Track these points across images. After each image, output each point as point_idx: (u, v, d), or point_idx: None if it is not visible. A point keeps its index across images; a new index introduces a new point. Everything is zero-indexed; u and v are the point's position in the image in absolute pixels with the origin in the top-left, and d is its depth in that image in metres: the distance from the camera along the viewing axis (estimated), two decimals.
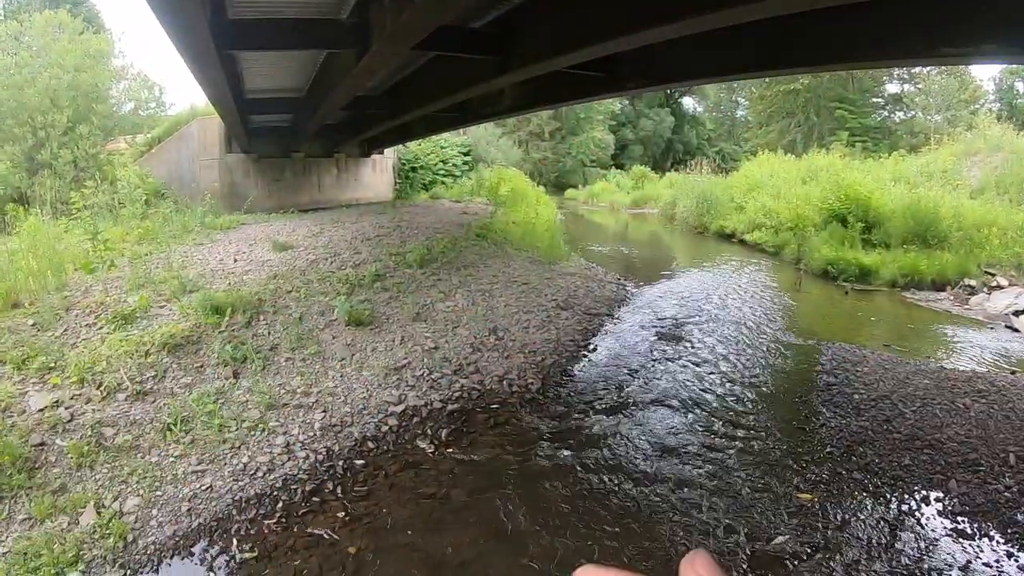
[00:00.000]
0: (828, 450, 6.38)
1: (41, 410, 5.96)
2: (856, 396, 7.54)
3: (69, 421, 5.90)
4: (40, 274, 8.35)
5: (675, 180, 32.74)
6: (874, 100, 43.69)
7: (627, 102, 52.92)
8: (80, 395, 6.27)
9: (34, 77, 15.09)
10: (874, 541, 4.96)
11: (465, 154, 25.18)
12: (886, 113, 44.48)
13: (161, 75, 68.68)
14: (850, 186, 17.31)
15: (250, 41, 6.29)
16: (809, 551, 4.80)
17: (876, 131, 41.20)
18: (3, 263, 8.45)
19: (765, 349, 9.60)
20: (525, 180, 23.39)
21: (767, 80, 41.07)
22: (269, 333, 8.09)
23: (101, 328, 7.43)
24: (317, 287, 9.56)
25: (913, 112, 42.80)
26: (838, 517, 5.26)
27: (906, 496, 5.55)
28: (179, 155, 16.39)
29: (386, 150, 20.11)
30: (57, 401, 6.12)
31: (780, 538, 4.93)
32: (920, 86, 41.86)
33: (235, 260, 10.45)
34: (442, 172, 23.91)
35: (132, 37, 73.94)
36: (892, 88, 43.94)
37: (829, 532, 5.05)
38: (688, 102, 62.22)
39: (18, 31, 16.45)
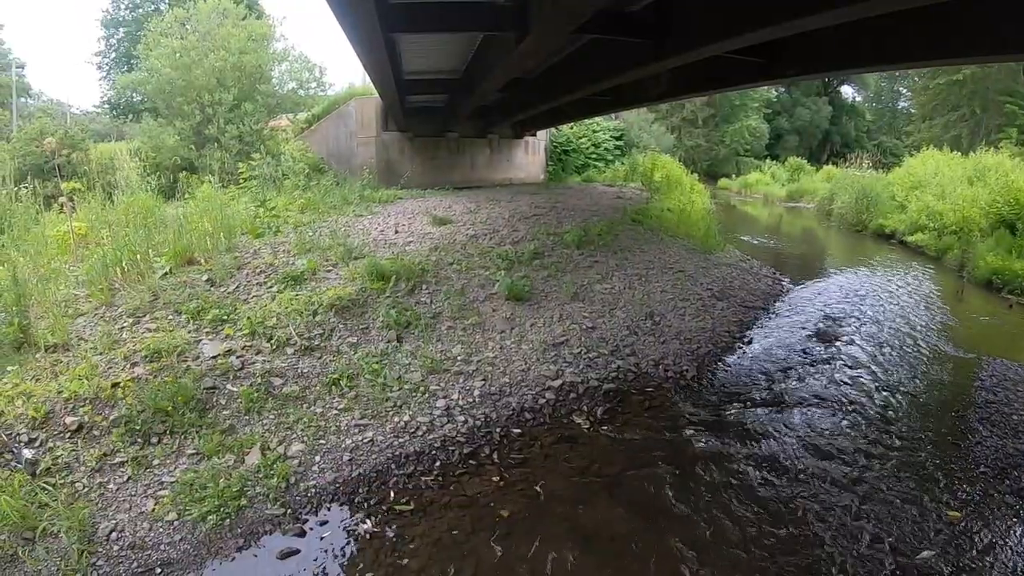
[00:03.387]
0: (981, 469, 6.09)
1: (214, 357, 6.58)
2: (1015, 417, 7.19)
3: (240, 369, 6.48)
4: (213, 235, 9.16)
5: (833, 174, 31.65)
6: None
7: (783, 89, 50.72)
8: (251, 346, 6.85)
9: (201, 59, 16.57)
10: (1020, 569, 4.76)
11: (617, 138, 25.00)
12: None
13: (320, 57, 73.19)
14: (1020, 190, 16.02)
15: (412, 23, 6.56)
16: (953, 570, 4.71)
17: None
18: (179, 224, 9.26)
19: (922, 358, 9.20)
20: (679, 167, 23.03)
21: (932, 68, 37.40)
22: (431, 301, 8.50)
23: (271, 287, 8.09)
24: (477, 261, 9.92)
25: None
26: (986, 539, 5.07)
27: None
28: (337, 132, 17.44)
29: (538, 132, 20.33)
30: (229, 350, 6.71)
31: (926, 553, 4.88)
32: None
33: (396, 231, 11.02)
34: (594, 156, 23.85)
35: (292, 21, 79.40)
36: None
37: (975, 553, 4.91)
38: (847, 91, 58.82)
39: (184, 17, 18.02)
